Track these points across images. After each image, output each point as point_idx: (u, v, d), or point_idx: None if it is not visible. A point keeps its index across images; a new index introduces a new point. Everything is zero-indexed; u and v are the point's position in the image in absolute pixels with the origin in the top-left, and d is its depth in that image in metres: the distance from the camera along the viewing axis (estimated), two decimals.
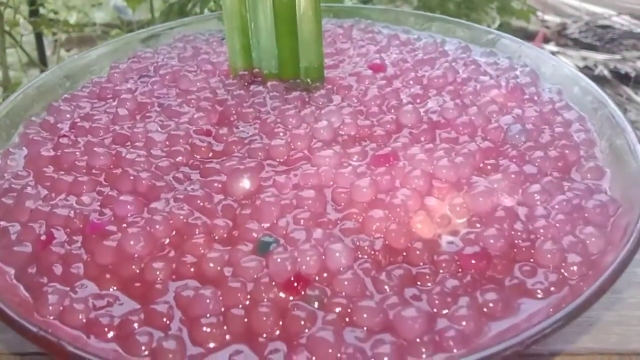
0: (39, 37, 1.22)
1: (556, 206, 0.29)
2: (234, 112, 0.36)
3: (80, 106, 0.40)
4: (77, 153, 0.34)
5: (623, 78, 1.43)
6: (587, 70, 1.43)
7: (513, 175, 0.31)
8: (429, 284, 0.26)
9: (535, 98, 0.39)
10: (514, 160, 0.32)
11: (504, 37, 0.46)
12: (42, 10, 1.20)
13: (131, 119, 0.37)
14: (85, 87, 0.43)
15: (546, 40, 1.63)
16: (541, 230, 0.28)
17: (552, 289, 0.26)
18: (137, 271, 0.27)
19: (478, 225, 0.28)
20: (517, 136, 0.34)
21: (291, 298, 0.25)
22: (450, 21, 0.49)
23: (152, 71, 0.43)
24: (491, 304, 0.25)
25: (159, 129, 0.35)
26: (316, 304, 0.24)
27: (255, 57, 0.41)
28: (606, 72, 1.45)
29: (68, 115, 0.38)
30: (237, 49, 0.41)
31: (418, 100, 0.37)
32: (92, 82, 0.43)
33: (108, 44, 0.49)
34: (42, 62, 1.21)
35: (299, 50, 0.40)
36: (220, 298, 0.24)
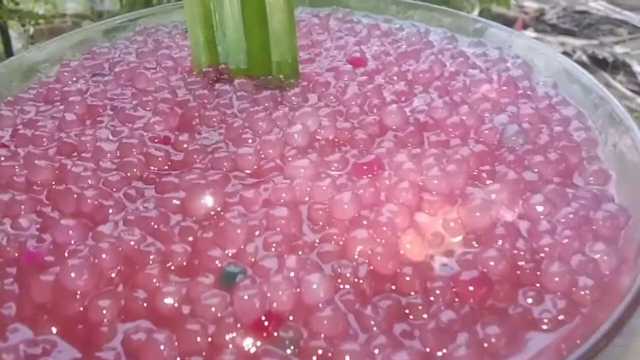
0: (3, 30, 1.15)
1: (562, 220, 0.26)
2: (196, 115, 0.32)
3: (24, 110, 0.35)
4: (16, 167, 0.29)
5: (601, 63, 1.42)
6: (565, 56, 1.41)
7: (512, 184, 0.27)
8: (422, 316, 0.22)
9: (530, 93, 0.35)
10: (512, 166, 0.29)
11: (492, 25, 0.43)
12: (4, 2, 1.14)
13: (80, 124, 0.33)
14: (31, 88, 0.38)
15: (524, 26, 1.61)
16: (546, 249, 0.24)
17: (561, 317, 0.22)
18: (80, 309, 0.23)
19: (475, 244, 0.25)
20: (514, 138, 0.30)
21: (258, 344, 0.21)
22: (434, 9, 0.46)
23: (106, 69, 0.39)
24: (493, 339, 0.21)
25: (110, 137, 0.31)
26: (290, 349, 0.21)
27: (222, 52, 0.37)
28: (584, 58, 1.44)
29: (10, 122, 0.34)
30: (200, 43, 0.36)
31: (403, 99, 0.34)
32: (40, 83, 0.38)
33: (61, 38, 0.45)
34: (9, 56, 1.15)
35: (269, 43, 0.36)
36: (176, 343, 0.21)
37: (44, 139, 0.31)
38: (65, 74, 0.38)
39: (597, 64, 1.43)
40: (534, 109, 0.33)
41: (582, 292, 0.23)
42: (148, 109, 0.33)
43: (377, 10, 0.47)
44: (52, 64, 0.41)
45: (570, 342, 0.21)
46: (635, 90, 1.33)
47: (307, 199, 0.26)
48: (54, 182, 0.28)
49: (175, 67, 0.38)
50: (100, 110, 0.34)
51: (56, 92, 0.36)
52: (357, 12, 0.47)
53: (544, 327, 0.22)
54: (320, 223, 0.25)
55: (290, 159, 0.28)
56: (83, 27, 0.50)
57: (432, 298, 0.23)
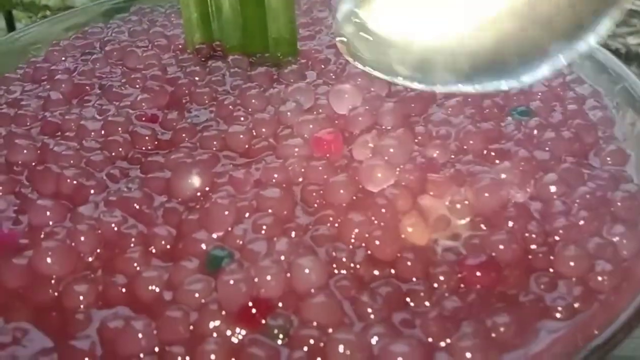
0: (9, 22, 1.14)
1: (577, 200, 0.24)
2: (186, 92, 0.30)
3: (10, 90, 0.34)
4: None
5: (614, 54, 1.39)
6: None
7: (523, 163, 0.25)
8: (425, 304, 0.20)
9: None
10: (521, 144, 0.27)
11: None
12: None
13: (66, 103, 0.31)
14: (19, 67, 0.37)
15: None
16: (561, 231, 0.22)
17: (577, 305, 0.21)
18: (55, 295, 0.21)
19: (483, 227, 0.23)
20: (521, 116, 0.28)
21: (243, 332, 0.19)
22: None
23: (97, 48, 0.37)
24: (502, 329, 0.20)
25: (96, 115, 0.29)
26: (280, 338, 0.19)
27: (216, 28, 0.35)
28: None
29: None
30: (193, 19, 0.35)
31: None
32: (28, 62, 0.37)
33: (53, 19, 0.43)
34: None
35: (266, 19, 0.34)
36: (155, 332, 0.19)
37: (27, 119, 0.30)
38: (55, 53, 0.37)
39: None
40: (547, 86, 0.31)
41: (600, 278, 0.21)
42: (137, 86, 0.31)
43: None
44: (46, 45, 0.40)
45: (587, 332, 0.19)
46: None
47: (300, 179, 0.24)
48: (34, 162, 0.27)
49: (169, 45, 0.36)
50: (88, 89, 0.32)
51: (44, 71, 0.35)
52: None
53: (558, 315, 0.20)
54: (315, 205, 0.24)
55: (283, 138, 0.26)
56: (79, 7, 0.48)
57: (435, 284, 0.21)
